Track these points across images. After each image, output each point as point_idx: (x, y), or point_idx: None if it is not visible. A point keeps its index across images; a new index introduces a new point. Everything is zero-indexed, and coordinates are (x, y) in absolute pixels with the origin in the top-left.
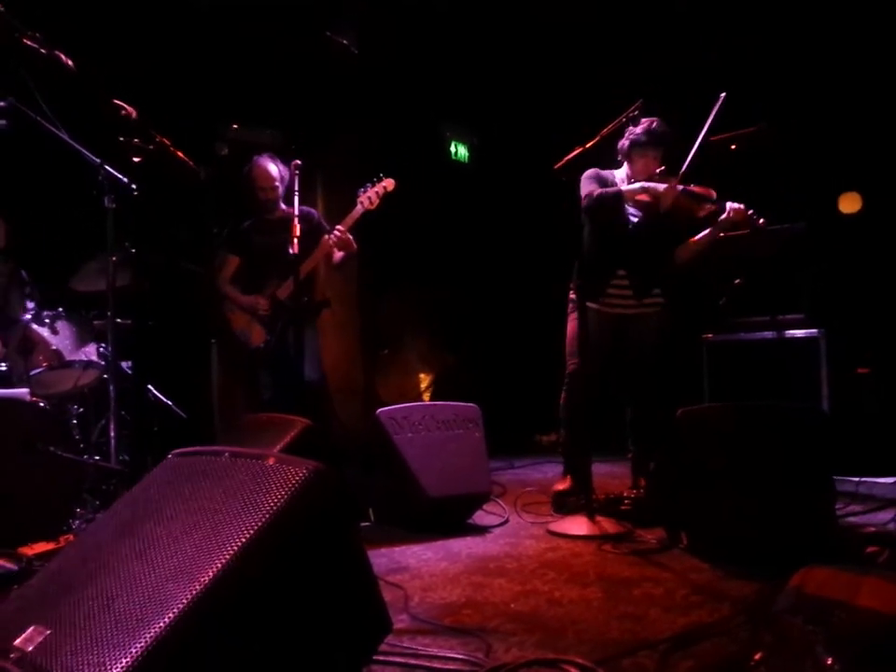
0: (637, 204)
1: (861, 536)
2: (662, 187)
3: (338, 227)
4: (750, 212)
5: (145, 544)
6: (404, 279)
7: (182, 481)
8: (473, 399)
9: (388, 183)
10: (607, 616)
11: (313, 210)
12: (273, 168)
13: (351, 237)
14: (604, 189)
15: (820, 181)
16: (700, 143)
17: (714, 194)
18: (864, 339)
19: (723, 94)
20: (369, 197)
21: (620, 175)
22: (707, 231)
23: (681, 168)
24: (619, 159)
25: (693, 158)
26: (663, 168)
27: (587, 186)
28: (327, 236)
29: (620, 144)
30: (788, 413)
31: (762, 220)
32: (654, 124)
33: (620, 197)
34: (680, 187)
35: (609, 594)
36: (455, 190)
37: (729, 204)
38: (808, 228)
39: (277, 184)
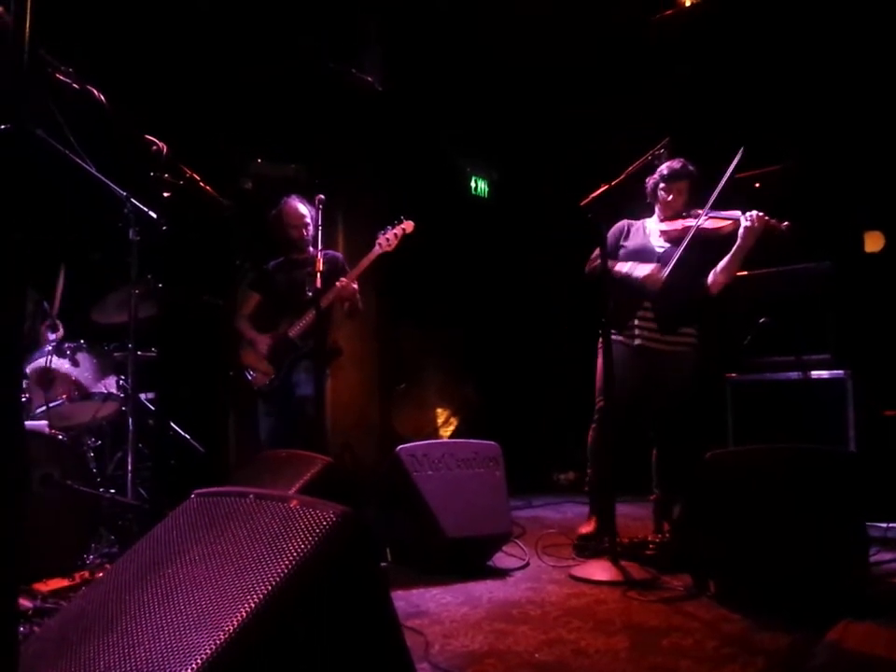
0: (664, 236)
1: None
2: (646, 269)
3: (342, 279)
4: (769, 219)
5: (167, 589)
6: (423, 314)
7: (206, 523)
8: (490, 436)
9: (408, 225)
10: (635, 667)
11: (339, 254)
12: (303, 207)
13: (356, 287)
14: (594, 267)
15: (846, 220)
16: (722, 187)
17: (739, 214)
18: (892, 380)
19: (742, 148)
20: (387, 238)
21: (651, 223)
22: (734, 248)
23: (707, 203)
24: (648, 201)
25: (716, 197)
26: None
27: (605, 245)
28: (338, 282)
29: (646, 183)
30: (818, 456)
31: (785, 223)
32: (675, 161)
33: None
34: (705, 217)
35: (636, 644)
36: (475, 225)
37: (746, 215)
38: (834, 267)
39: (308, 220)
